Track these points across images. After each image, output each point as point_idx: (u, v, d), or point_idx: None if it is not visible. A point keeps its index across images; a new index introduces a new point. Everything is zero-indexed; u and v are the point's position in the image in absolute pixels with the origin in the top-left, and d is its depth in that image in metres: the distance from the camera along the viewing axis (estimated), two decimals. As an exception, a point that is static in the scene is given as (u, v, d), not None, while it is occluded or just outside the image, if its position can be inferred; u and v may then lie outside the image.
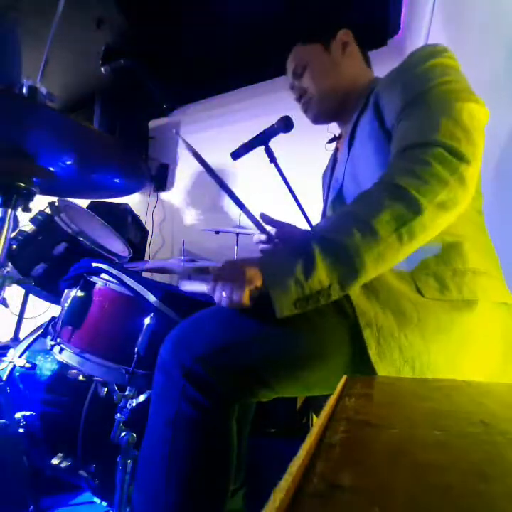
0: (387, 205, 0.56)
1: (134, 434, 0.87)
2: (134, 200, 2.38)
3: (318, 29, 0.94)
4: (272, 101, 2.09)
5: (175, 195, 2.75)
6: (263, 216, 0.90)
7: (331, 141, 1.05)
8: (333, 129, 1.03)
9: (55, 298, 1.29)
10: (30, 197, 1.03)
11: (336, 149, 1.03)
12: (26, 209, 1.03)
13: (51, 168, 1.02)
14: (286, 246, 0.62)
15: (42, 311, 1.88)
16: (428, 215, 0.55)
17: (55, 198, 1.37)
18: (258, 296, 0.58)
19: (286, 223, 0.95)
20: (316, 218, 1.12)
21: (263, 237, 0.94)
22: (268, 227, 0.93)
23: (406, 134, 0.65)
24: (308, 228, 1.31)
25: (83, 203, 1.71)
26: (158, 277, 1.92)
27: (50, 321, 1.26)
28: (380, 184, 0.60)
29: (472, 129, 0.60)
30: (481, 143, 0.61)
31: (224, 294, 0.59)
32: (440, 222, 0.58)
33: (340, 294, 0.57)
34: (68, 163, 0.99)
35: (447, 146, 0.57)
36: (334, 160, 1.01)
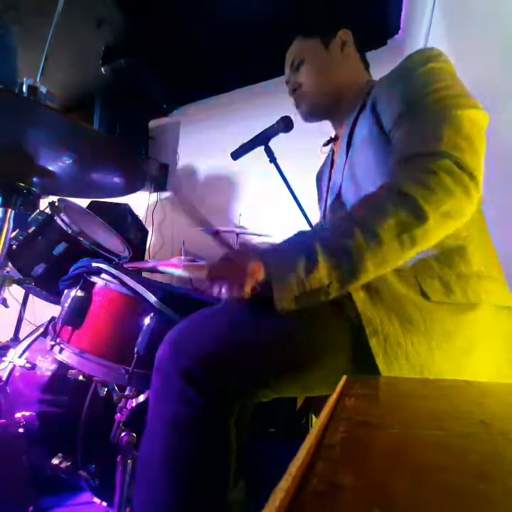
0: (391, 211, 0.57)
1: (134, 434, 0.87)
2: (134, 200, 2.37)
3: (320, 24, 0.95)
4: (272, 101, 2.09)
5: (175, 195, 2.75)
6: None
7: (326, 143, 1.05)
8: (326, 127, 1.01)
9: (55, 298, 1.29)
10: (30, 197, 1.03)
11: (332, 151, 1.03)
12: (26, 209, 1.03)
13: (51, 168, 1.01)
14: (289, 244, 0.63)
15: (42, 311, 1.88)
16: (432, 223, 0.56)
17: (55, 198, 1.37)
18: (260, 289, 0.60)
19: None
20: (315, 218, 1.12)
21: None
22: None
23: (408, 141, 0.65)
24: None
25: (83, 202, 1.71)
26: (158, 277, 1.91)
27: (50, 321, 1.26)
28: (385, 190, 0.60)
29: (473, 136, 0.61)
30: (482, 149, 0.62)
31: (224, 289, 0.60)
32: (443, 231, 0.59)
33: (338, 293, 0.58)
34: (68, 163, 0.99)
35: (453, 157, 0.58)
36: (331, 162, 1.00)
